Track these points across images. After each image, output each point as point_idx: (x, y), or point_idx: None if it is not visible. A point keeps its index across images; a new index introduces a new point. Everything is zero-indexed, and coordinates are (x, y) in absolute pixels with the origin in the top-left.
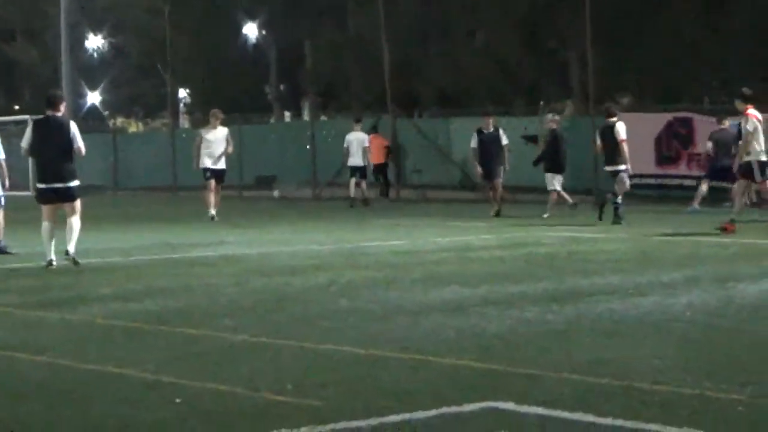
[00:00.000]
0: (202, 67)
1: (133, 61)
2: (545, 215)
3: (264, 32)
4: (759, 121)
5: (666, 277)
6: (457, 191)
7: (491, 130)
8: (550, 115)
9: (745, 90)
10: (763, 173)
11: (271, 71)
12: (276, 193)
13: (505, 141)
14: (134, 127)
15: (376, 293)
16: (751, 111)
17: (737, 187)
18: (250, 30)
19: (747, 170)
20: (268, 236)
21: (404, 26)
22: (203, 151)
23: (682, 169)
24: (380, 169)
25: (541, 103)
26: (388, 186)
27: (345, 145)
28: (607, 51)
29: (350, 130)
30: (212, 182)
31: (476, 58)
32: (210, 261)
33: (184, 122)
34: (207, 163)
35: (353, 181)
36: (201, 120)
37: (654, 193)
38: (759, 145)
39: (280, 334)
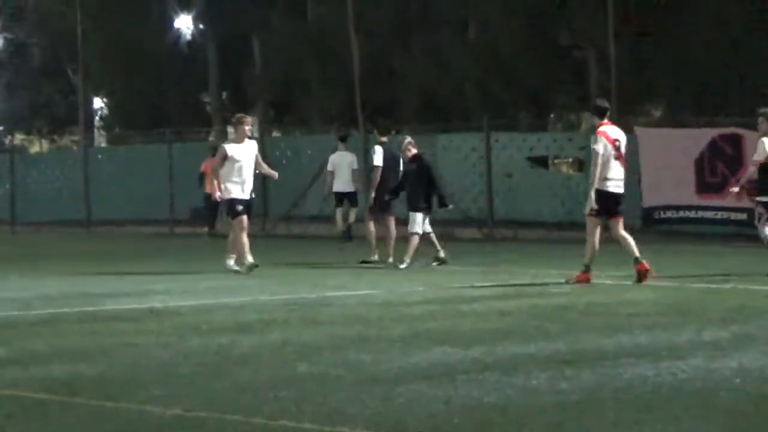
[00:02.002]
0: (123, 70)
1: (36, 62)
2: (403, 265)
3: (201, 26)
4: (612, 142)
5: (710, 335)
6: (448, 227)
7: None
8: (408, 139)
9: (600, 101)
10: (595, 207)
11: (210, 75)
12: (206, 230)
13: (374, 161)
14: (37, 145)
15: (344, 356)
16: (605, 129)
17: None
18: (184, 23)
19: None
20: (207, 284)
21: (378, 18)
22: (228, 174)
23: (729, 199)
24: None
25: (552, 115)
26: (214, 219)
27: (329, 168)
28: (635, 49)
29: (307, 147)
30: (244, 218)
31: (469, 59)
32: (134, 315)
33: (100, 140)
34: (236, 191)
35: (340, 211)
36: (121, 136)
37: (693, 229)
38: (604, 170)
39: (223, 407)
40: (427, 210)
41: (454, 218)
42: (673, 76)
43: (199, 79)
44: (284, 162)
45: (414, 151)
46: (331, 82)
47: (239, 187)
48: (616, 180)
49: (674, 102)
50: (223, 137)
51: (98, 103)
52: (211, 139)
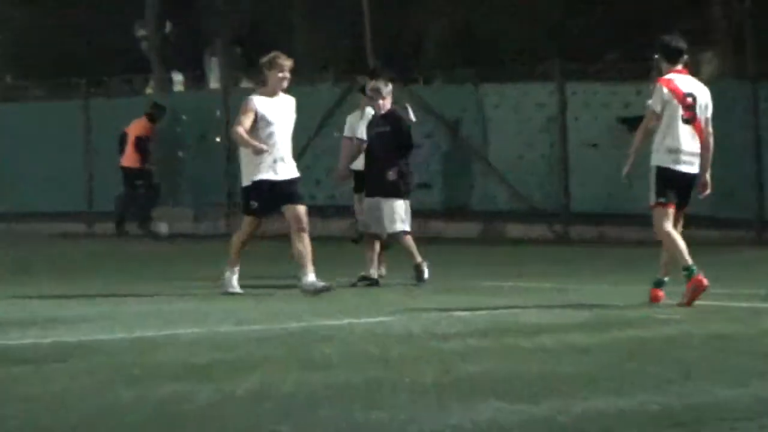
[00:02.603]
0: None
1: None
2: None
3: None
4: (681, 97)
5: None
6: (502, 222)
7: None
8: (387, 87)
9: (670, 39)
10: (661, 192)
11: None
12: (163, 228)
13: (357, 131)
14: None
15: (348, 413)
16: (672, 77)
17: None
18: None
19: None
20: (143, 308)
21: None
22: (260, 140)
23: None
24: (140, 180)
25: (656, 56)
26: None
27: (346, 133)
28: None
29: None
30: (257, 222)
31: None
32: (35, 354)
33: None
34: (265, 170)
35: (359, 198)
36: (16, 89)
37: None
38: (667, 138)
39: None
40: (407, 194)
41: (512, 210)
42: None
43: (132, 6)
44: None
45: (389, 104)
46: (327, 11)
47: (270, 163)
48: (684, 153)
49: None
50: (166, 90)
51: None
52: (148, 92)
